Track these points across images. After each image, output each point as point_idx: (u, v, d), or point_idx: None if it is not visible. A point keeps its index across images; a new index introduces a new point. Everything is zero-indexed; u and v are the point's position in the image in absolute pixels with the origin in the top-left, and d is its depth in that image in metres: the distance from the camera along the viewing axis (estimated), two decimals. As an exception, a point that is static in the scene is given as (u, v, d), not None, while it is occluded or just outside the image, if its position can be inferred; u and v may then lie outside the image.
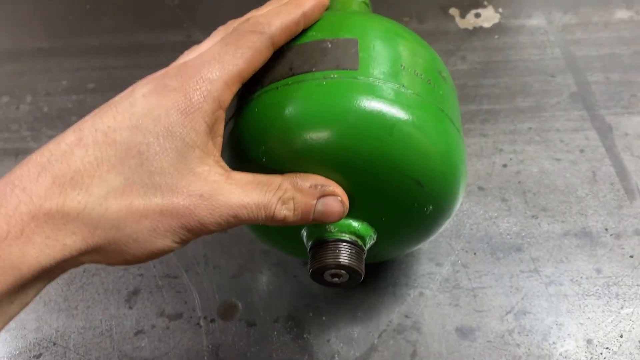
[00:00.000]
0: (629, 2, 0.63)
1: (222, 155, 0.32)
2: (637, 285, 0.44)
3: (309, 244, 0.35)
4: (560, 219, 0.47)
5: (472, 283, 0.44)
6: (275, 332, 0.43)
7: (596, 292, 0.43)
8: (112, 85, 0.61)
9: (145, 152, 0.26)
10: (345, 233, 0.34)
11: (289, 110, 0.30)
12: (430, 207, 0.34)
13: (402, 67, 0.32)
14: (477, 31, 0.62)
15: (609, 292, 0.43)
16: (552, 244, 0.46)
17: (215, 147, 0.29)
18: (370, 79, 0.31)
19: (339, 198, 0.31)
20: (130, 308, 0.45)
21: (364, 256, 0.35)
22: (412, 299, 0.44)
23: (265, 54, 0.31)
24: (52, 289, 0.46)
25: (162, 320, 0.44)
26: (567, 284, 0.44)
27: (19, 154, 0.56)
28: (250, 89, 0.33)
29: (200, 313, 0.44)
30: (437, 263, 0.45)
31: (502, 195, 0.49)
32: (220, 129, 0.30)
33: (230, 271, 0.46)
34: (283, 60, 0.33)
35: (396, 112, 0.30)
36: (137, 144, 0.26)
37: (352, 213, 0.34)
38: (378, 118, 0.30)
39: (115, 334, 0.44)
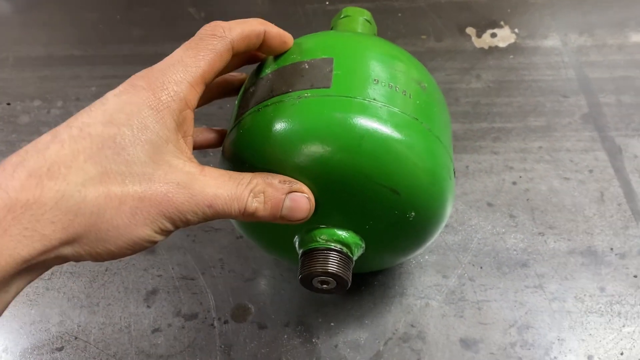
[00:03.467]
0: (644, 26, 0.64)
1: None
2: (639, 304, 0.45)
3: (300, 251, 0.37)
4: (567, 237, 0.49)
5: (478, 296, 0.46)
6: (286, 336, 0.45)
7: (599, 310, 0.44)
8: (138, 93, 0.63)
9: (121, 142, 0.27)
10: (334, 242, 0.36)
11: (267, 130, 0.33)
12: (413, 214, 0.35)
13: (375, 81, 0.34)
14: (493, 50, 0.64)
15: (611, 310, 0.44)
16: (558, 261, 0.47)
17: (187, 146, 0.31)
18: (342, 96, 0.33)
19: (306, 195, 0.33)
20: (149, 307, 0.47)
21: (352, 265, 0.37)
22: (418, 309, 0.45)
23: (226, 57, 0.32)
24: (76, 286, 0.49)
25: (178, 319, 0.46)
26: (571, 300, 0.45)
27: (49, 156, 0.59)
28: (239, 112, 0.36)
29: (215, 314, 0.46)
30: (444, 275, 0.47)
31: (510, 211, 0.50)
32: (190, 129, 0.32)
33: (244, 275, 0.48)
34: (266, 83, 0.35)
35: (365, 123, 0.32)
36: (112, 135, 0.27)
37: (339, 223, 0.36)
38: (346, 130, 0.32)
39: (134, 330, 0.46)
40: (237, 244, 0.50)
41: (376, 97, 0.33)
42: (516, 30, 0.66)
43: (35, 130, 0.61)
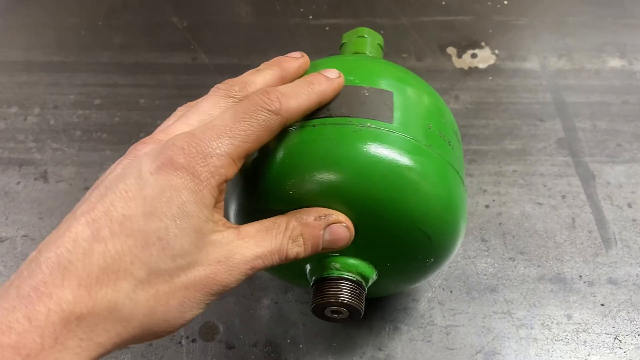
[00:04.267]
0: (622, 52, 0.65)
1: (236, 184, 0.34)
2: (605, 333, 0.45)
3: (312, 279, 0.36)
4: (537, 263, 0.49)
5: (446, 321, 0.46)
6: (253, 357, 0.45)
7: (565, 338, 0.45)
8: (117, 103, 0.63)
9: (165, 237, 0.26)
10: (348, 272, 0.36)
11: (324, 149, 0.32)
12: (432, 260, 0.37)
13: (430, 127, 0.35)
14: (472, 71, 0.64)
15: (577, 338, 0.45)
16: (527, 287, 0.48)
17: (219, 212, 0.30)
18: (402, 134, 0.33)
19: (344, 224, 0.33)
20: (117, 323, 0.47)
21: (365, 294, 0.36)
22: (386, 333, 0.45)
23: (276, 133, 0.31)
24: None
25: (146, 336, 0.46)
26: (538, 327, 0.45)
27: (23, 164, 0.58)
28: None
29: (183, 332, 0.46)
30: (414, 299, 0.47)
31: (482, 235, 0.51)
32: (222, 196, 0.31)
33: (215, 293, 0.48)
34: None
35: (421, 170, 0.33)
36: (155, 230, 0.26)
37: (358, 253, 0.36)
38: (406, 172, 0.32)
39: (101, 347, 0.45)
40: (209, 260, 0.50)
41: (432, 143, 0.34)
42: (496, 51, 0.66)
43: (11, 137, 0.60)
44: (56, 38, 0.71)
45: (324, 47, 0.68)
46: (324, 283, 0.35)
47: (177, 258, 0.27)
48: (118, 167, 0.29)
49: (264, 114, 0.29)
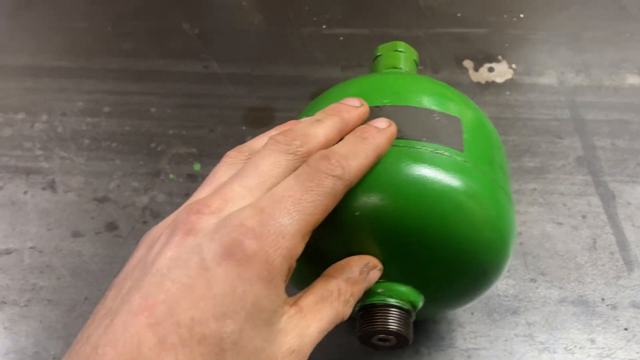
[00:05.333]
0: (640, 68, 0.64)
1: None
2: (630, 358, 0.44)
3: (357, 306, 0.35)
4: (558, 284, 0.48)
5: (467, 343, 0.45)
6: (270, 378, 0.43)
7: (588, 363, 0.44)
8: (127, 111, 0.62)
9: (239, 340, 0.24)
10: (394, 297, 0.34)
11: (398, 171, 0.31)
12: (477, 292, 0.37)
13: (493, 158, 0.35)
14: (489, 86, 0.63)
15: (601, 364, 0.44)
16: (548, 309, 0.47)
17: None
18: (473, 165, 0.33)
19: (378, 268, 0.33)
20: (128, 341, 0.45)
21: (412, 320, 0.35)
22: (407, 356, 0.44)
23: (340, 199, 0.29)
24: (53, 315, 0.47)
25: (158, 356, 0.45)
26: (561, 352, 0.45)
27: (31, 173, 0.57)
28: None
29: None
30: (434, 320, 0.46)
31: (502, 255, 0.50)
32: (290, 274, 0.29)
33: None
34: (386, 117, 0.34)
35: (491, 207, 0.32)
36: (229, 334, 0.23)
37: (408, 279, 0.35)
38: (476, 198, 0.32)
39: None
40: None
41: (497, 177, 0.34)
42: (513, 65, 0.65)
43: (18, 144, 0.59)
44: (63, 43, 0.69)
45: (337, 57, 0.67)
46: (370, 310, 0.34)
47: (251, 358, 0.24)
48: (172, 245, 0.25)
49: (329, 180, 0.27)
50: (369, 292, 0.35)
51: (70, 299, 0.48)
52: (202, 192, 0.30)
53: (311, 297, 0.29)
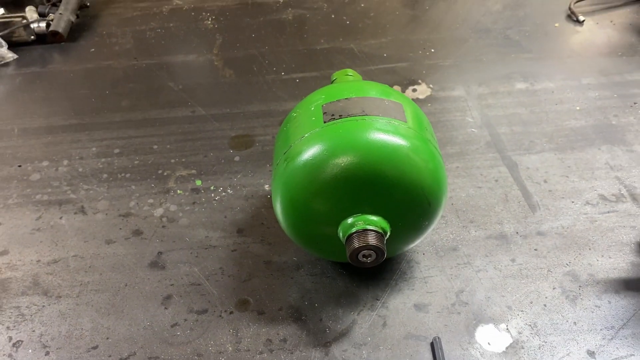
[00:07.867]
0: (525, 77, 0.85)
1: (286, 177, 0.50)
2: (540, 268, 0.60)
3: (345, 236, 0.51)
4: (484, 227, 0.65)
5: (423, 274, 0.60)
6: (280, 317, 0.57)
7: (512, 275, 0.60)
8: (134, 150, 0.76)
9: None
10: (369, 224, 0.50)
11: (365, 136, 0.49)
12: (427, 223, 0.54)
13: (426, 129, 0.54)
14: (416, 101, 0.82)
15: (520, 274, 0.60)
16: (479, 244, 0.63)
17: None
18: (414, 131, 0.51)
19: None
20: (166, 308, 0.58)
21: (385, 239, 0.51)
22: (379, 287, 0.59)
23: None
24: (102, 300, 0.59)
25: (192, 315, 0.57)
26: (492, 270, 0.60)
27: (62, 203, 0.70)
28: (329, 119, 0.51)
29: (221, 308, 0.58)
30: (397, 261, 0.61)
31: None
32: None
33: (241, 277, 0.61)
34: (356, 104, 0.52)
35: (429, 154, 0.51)
36: None
37: (377, 212, 0.51)
38: (418, 152, 0.50)
39: (155, 327, 0.57)
40: (232, 255, 0.63)
41: (431, 139, 0.53)
42: (431, 85, 0.85)
43: (47, 184, 0.72)
44: (71, 106, 0.84)
45: (296, 94, 0.85)
46: (354, 235, 0.50)
47: None
48: None
49: None
50: (352, 225, 0.50)
51: (114, 287, 0.61)
52: None
53: None
